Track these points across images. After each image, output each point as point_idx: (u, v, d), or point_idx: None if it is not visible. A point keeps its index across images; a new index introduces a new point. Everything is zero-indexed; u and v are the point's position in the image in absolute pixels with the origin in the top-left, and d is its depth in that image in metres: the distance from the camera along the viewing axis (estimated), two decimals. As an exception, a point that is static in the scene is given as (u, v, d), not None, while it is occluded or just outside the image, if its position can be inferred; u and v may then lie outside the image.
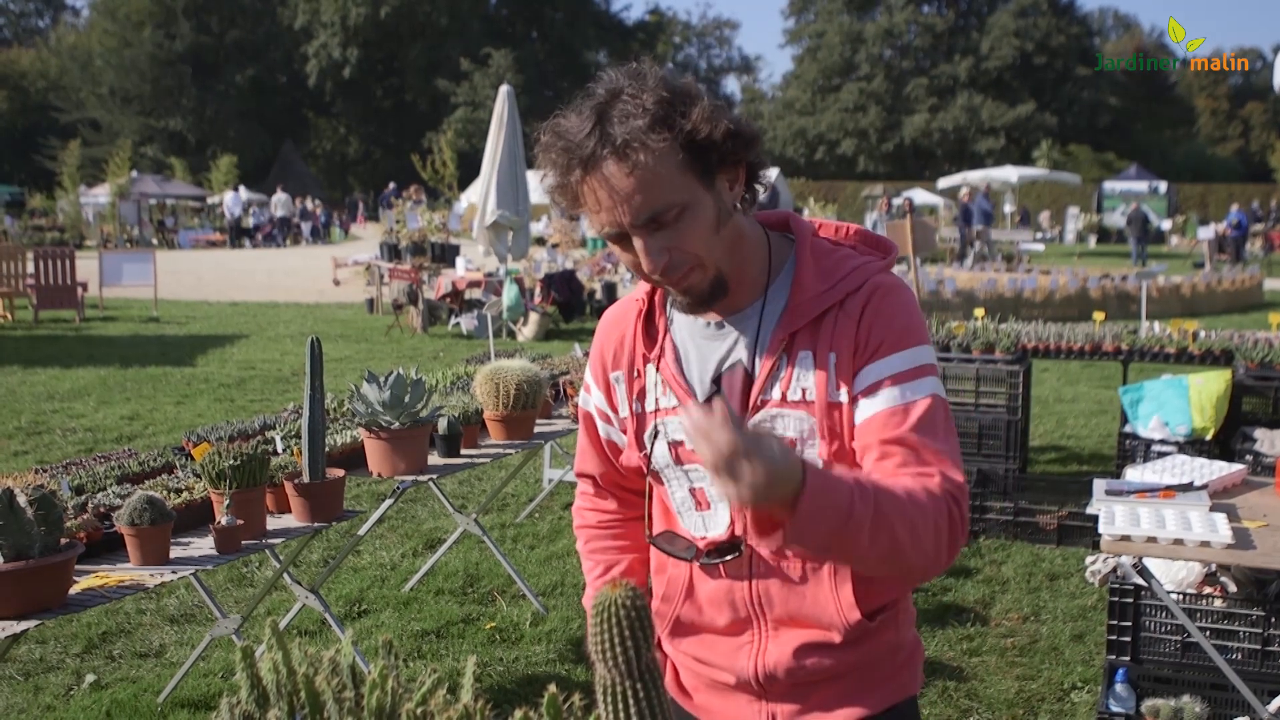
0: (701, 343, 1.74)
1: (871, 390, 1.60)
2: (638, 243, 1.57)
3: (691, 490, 1.77)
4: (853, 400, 1.62)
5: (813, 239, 1.73)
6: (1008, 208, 35.45)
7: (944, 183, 38.63)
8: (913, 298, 1.69)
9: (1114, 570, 4.22)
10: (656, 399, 1.77)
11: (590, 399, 1.92)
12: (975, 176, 36.77)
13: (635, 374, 1.80)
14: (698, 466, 1.73)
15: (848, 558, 1.50)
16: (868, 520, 1.41)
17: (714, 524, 1.76)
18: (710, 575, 1.76)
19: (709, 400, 1.71)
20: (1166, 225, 37.63)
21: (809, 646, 1.72)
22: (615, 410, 1.85)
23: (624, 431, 1.85)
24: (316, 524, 3.45)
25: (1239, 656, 3.82)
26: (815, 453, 1.65)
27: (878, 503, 1.42)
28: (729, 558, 1.72)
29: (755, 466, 1.31)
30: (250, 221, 35.34)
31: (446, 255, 15.88)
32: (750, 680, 1.76)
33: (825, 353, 1.64)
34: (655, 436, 1.77)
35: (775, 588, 1.72)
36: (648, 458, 1.79)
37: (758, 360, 1.68)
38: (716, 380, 1.72)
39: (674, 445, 1.75)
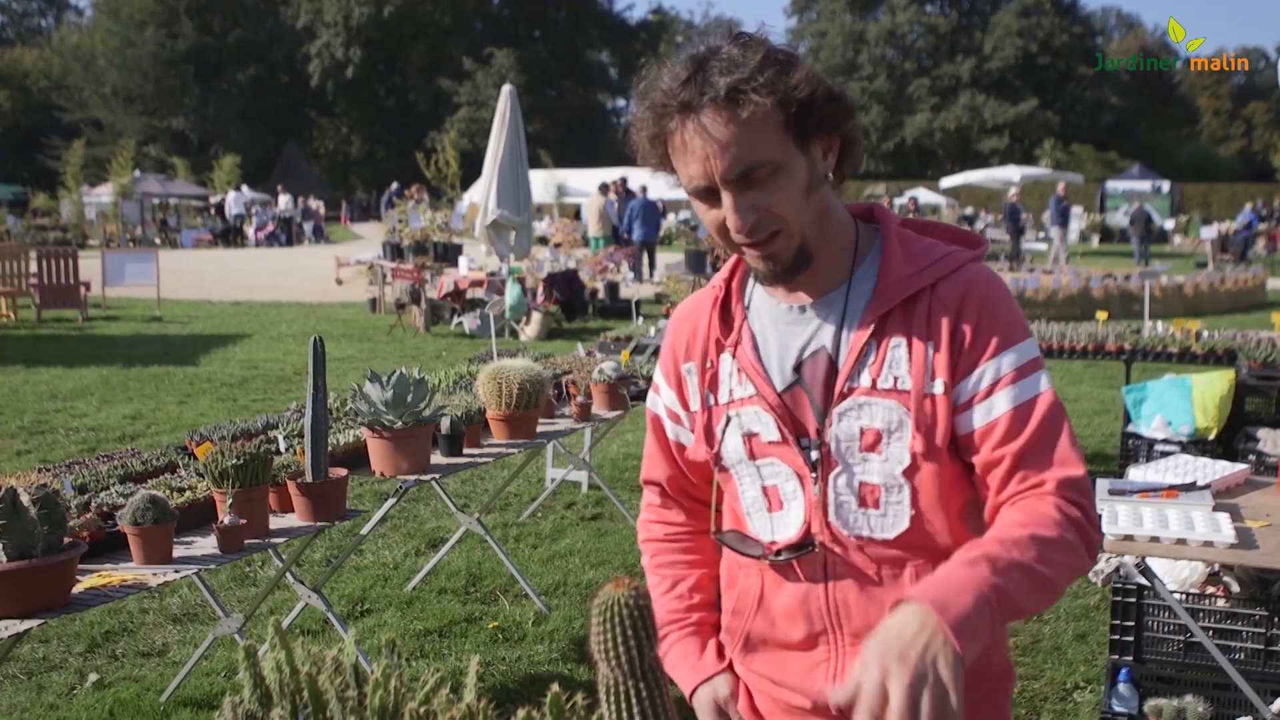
0: (782, 328, 1.65)
1: (989, 392, 1.54)
2: (726, 199, 1.52)
3: (764, 489, 1.67)
4: (958, 398, 1.56)
5: (899, 228, 1.67)
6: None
7: (946, 182, 38.59)
8: (1007, 289, 1.61)
9: (1117, 570, 4.22)
10: (731, 389, 1.68)
11: (659, 399, 1.83)
12: (978, 176, 36.75)
13: (708, 364, 1.71)
14: (773, 461, 1.65)
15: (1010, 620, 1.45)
16: (1012, 607, 1.38)
17: (785, 525, 1.66)
18: (785, 578, 1.67)
19: (790, 390, 1.63)
20: (1169, 225, 37.60)
21: None
22: (686, 406, 1.76)
23: (693, 428, 1.75)
24: (319, 523, 3.45)
25: (1242, 656, 3.81)
26: (904, 445, 1.56)
27: (1013, 586, 1.38)
28: (802, 554, 1.63)
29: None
30: (254, 221, 35.39)
31: (449, 255, 15.89)
32: (828, 703, 1.62)
33: (921, 341, 1.56)
34: (727, 428, 1.68)
35: (853, 594, 1.62)
36: (717, 453, 1.70)
37: (843, 346, 1.60)
38: (798, 368, 1.63)
39: (748, 438, 1.66)
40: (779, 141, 1.50)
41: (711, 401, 1.71)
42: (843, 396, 1.59)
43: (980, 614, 1.32)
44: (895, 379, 1.56)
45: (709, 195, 1.54)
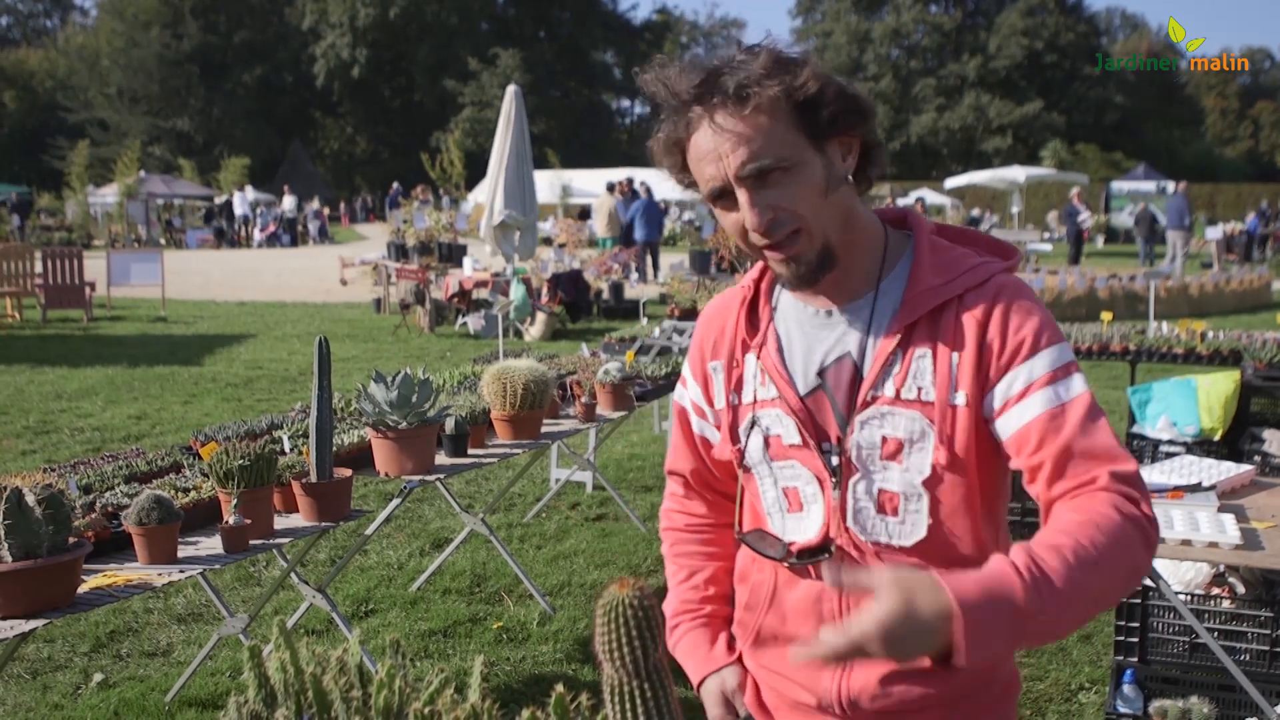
0: (808, 332, 1.65)
1: (1021, 396, 1.51)
2: (742, 197, 1.51)
3: (784, 490, 1.68)
4: (990, 406, 1.54)
5: (931, 236, 1.66)
6: (1015, 208, 35.40)
7: (951, 183, 38.58)
8: (1038, 298, 1.60)
9: (1122, 571, 4.21)
10: (755, 390, 1.68)
11: (685, 393, 1.85)
12: (982, 177, 36.74)
13: (734, 363, 1.72)
14: (793, 464, 1.65)
15: (1048, 635, 1.35)
16: (1051, 606, 1.29)
17: (805, 527, 1.67)
18: (800, 576, 1.67)
19: (812, 394, 1.63)
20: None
21: (898, 673, 1.61)
22: (711, 403, 1.77)
23: (718, 425, 1.76)
24: (324, 523, 3.46)
25: (1247, 657, 3.80)
26: (926, 456, 1.57)
27: (1055, 585, 1.30)
28: (819, 559, 1.64)
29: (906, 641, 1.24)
30: (258, 222, 35.45)
31: (454, 255, 15.89)
32: (833, 704, 1.66)
33: (946, 352, 1.55)
34: (751, 429, 1.69)
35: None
36: (741, 451, 1.70)
37: (869, 354, 1.60)
38: (821, 373, 1.63)
39: (769, 439, 1.67)
40: (792, 140, 1.50)
41: (735, 401, 1.71)
42: (865, 405, 1.58)
43: (998, 641, 1.27)
44: (919, 389, 1.56)
45: (726, 198, 1.54)
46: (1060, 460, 1.48)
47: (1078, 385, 1.52)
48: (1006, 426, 1.53)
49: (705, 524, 1.90)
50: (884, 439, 1.58)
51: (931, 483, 1.57)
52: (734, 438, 1.72)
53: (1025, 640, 1.31)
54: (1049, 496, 1.50)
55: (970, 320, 1.55)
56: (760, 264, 1.72)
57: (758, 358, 1.68)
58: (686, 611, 1.86)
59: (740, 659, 1.81)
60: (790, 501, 1.68)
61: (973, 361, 1.54)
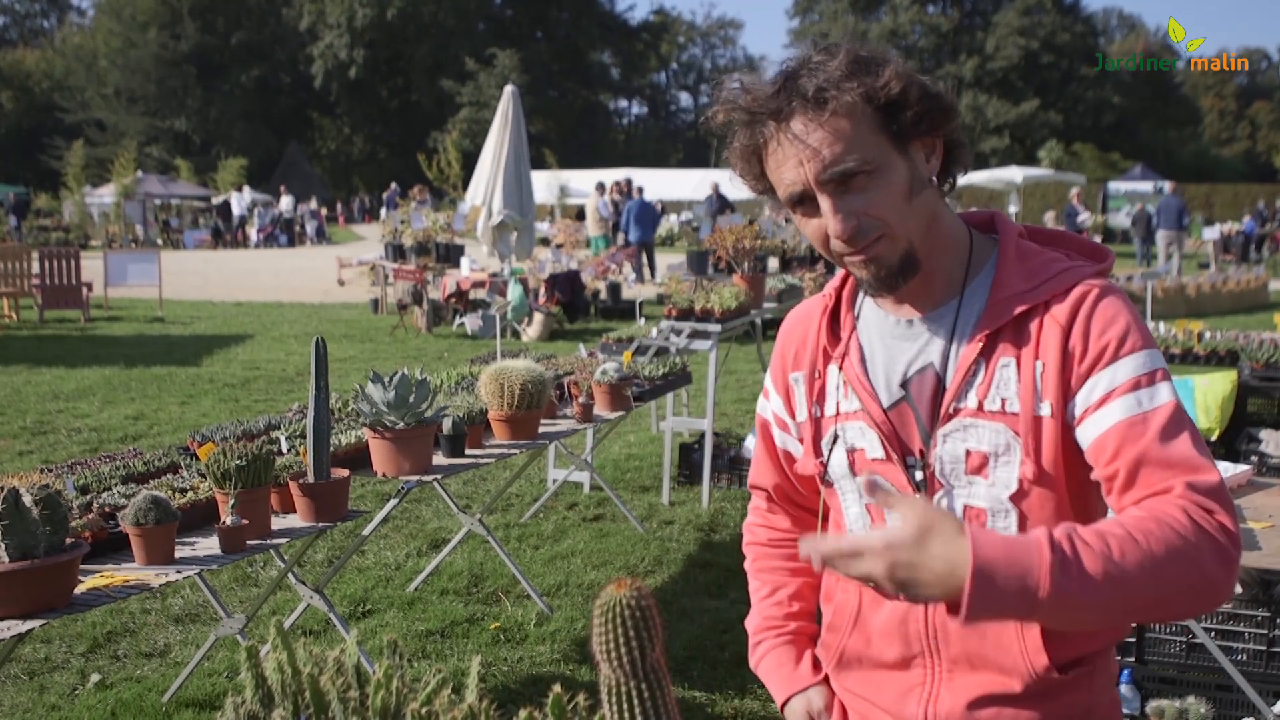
0: (890, 342, 1.60)
1: (1102, 402, 1.44)
2: (825, 203, 1.46)
3: (868, 506, 1.63)
4: (1071, 413, 1.47)
5: (1018, 240, 1.59)
6: (1012, 208, 35.43)
7: (948, 183, 38.58)
8: (1129, 301, 1.52)
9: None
10: (837, 402, 1.63)
11: (768, 405, 1.80)
12: (980, 177, 36.74)
13: (815, 374, 1.67)
14: (876, 477, 1.60)
15: (1074, 622, 1.33)
16: (1076, 591, 1.24)
17: None
18: (885, 596, 1.59)
19: (896, 406, 1.58)
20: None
21: (986, 698, 1.55)
22: (793, 416, 1.73)
23: (800, 439, 1.71)
24: (321, 524, 3.46)
25: (1244, 657, 3.81)
26: (1013, 470, 1.50)
27: (1085, 564, 1.25)
28: None
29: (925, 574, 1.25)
30: (255, 222, 35.44)
31: (451, 255, 15.88)
32: None
33: (1031, 360, 1.49)
34: (834, 443, 1.64)
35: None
36: (824, 465, 1.65)
37: (951, 364, 1.54)
38: (905, 384, 1.58)
39: (851, 453, 1.62)
40: (874, 143, 1.45)
41: (818, 413, 1.67)
42: (948, 417, 1.53)
43: (1006, 610, 1.26)
44: (1003, 400, 1.50)
45: (807, 203, 1.49)
46: (1134, 469, 1.41)
47: (1163, 394, 1.44)
48: (1086, 435, 1.46)
49: (790, 538, 1.84)
50: (968, 453, 1.53)
51: (1019, 498, 1.51)
52: (816, 451, 1.67)
53: (1041, 618, 1.28)
54: (1120, 506, 1.43)
55: (1054, 326, 1.49)
56: (842, 272, 1.68)
57: (840, 368, 1.63)
58: (770, 628, 1.82)
59: (827, 679, 1.77)
60: (874, 518, 1.62)
61: (1057, 369, 1.47)
